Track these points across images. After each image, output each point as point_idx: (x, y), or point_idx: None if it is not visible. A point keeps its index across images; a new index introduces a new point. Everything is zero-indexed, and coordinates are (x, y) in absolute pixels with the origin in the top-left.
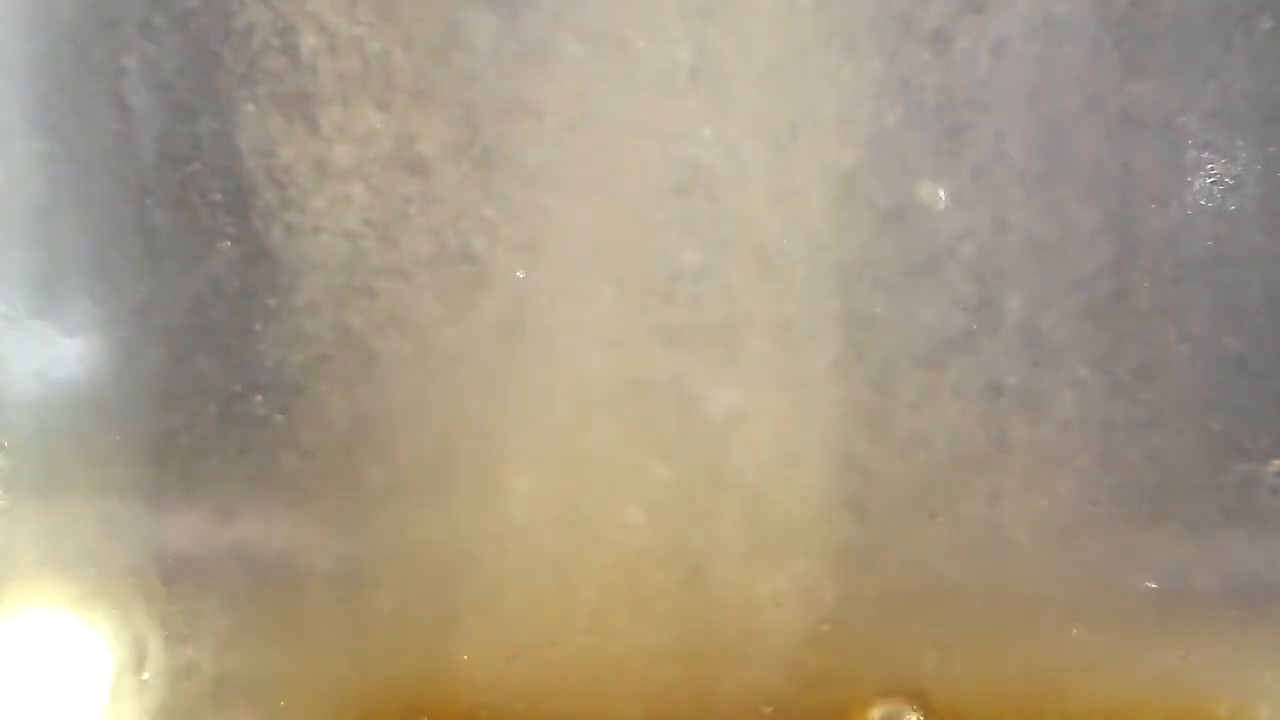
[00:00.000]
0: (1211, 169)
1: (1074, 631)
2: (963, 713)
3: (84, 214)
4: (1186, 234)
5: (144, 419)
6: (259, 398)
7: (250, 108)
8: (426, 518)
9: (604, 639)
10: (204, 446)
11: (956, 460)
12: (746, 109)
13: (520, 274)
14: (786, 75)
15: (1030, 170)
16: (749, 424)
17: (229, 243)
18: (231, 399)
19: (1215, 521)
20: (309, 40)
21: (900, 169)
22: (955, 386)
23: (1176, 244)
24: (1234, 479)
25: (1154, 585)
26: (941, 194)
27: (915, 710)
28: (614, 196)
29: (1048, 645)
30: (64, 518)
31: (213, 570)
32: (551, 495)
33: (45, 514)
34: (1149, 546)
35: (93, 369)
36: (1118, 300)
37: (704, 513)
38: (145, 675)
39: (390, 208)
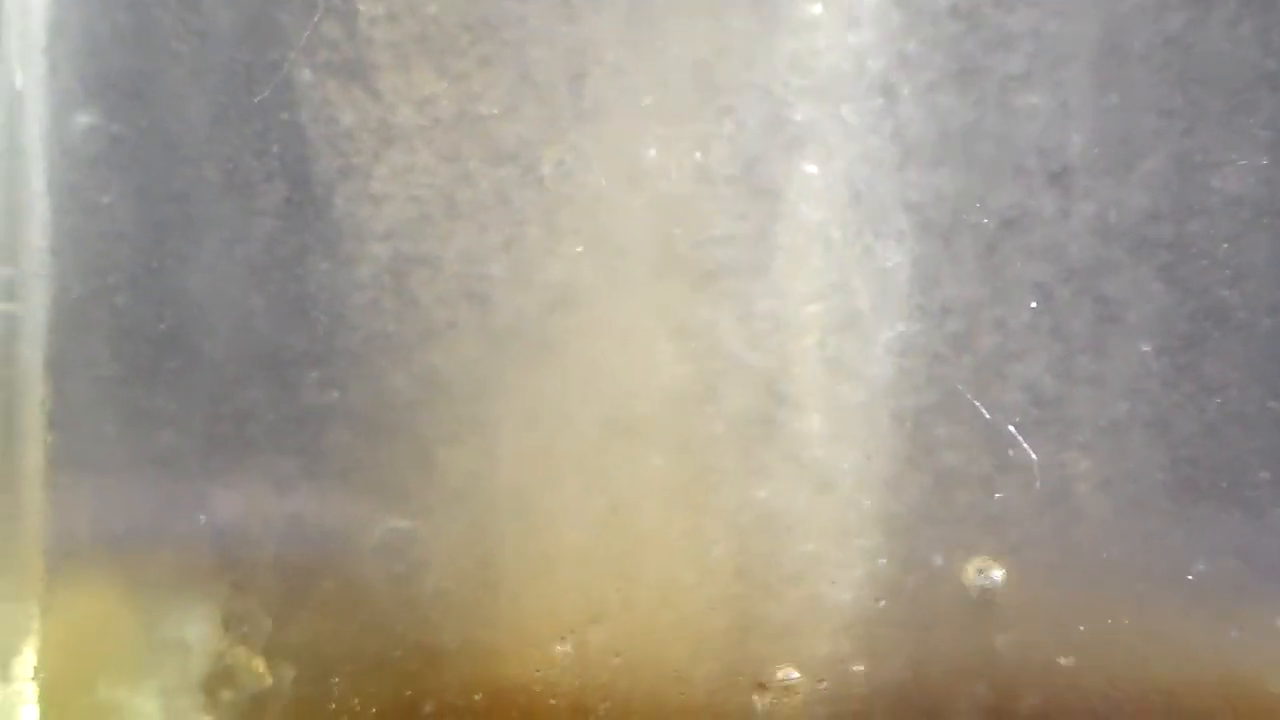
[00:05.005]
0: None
1: (1132, 606)
2: (1017, 687)
3: (140, 185)
4: (1249, 201)
5: (197, 390)
6: (314, 370)
7: (308, 74)
8: (480, 494)
9: (656, 617)
10: (257, 418)
11: (1017, 428)
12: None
13: (579, 249)
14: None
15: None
16: (809, 385)
17: (287, 210)
18: (287, 370)
19: (1273, 499)
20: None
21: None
22: (1017, 353)
23: (1238, 211)
24: None
25: (1210, 560)
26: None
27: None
28: (679, 158)
29: (1105, 619)
30: (117, 491)
31: (265, 543)
32: (607, 472)
33: (99, 488)
34: (1206, 521)
35: (145, 340)
36: (1177, 267)
37: (755, 490)
38: (194, 647)
39: (454, 173)
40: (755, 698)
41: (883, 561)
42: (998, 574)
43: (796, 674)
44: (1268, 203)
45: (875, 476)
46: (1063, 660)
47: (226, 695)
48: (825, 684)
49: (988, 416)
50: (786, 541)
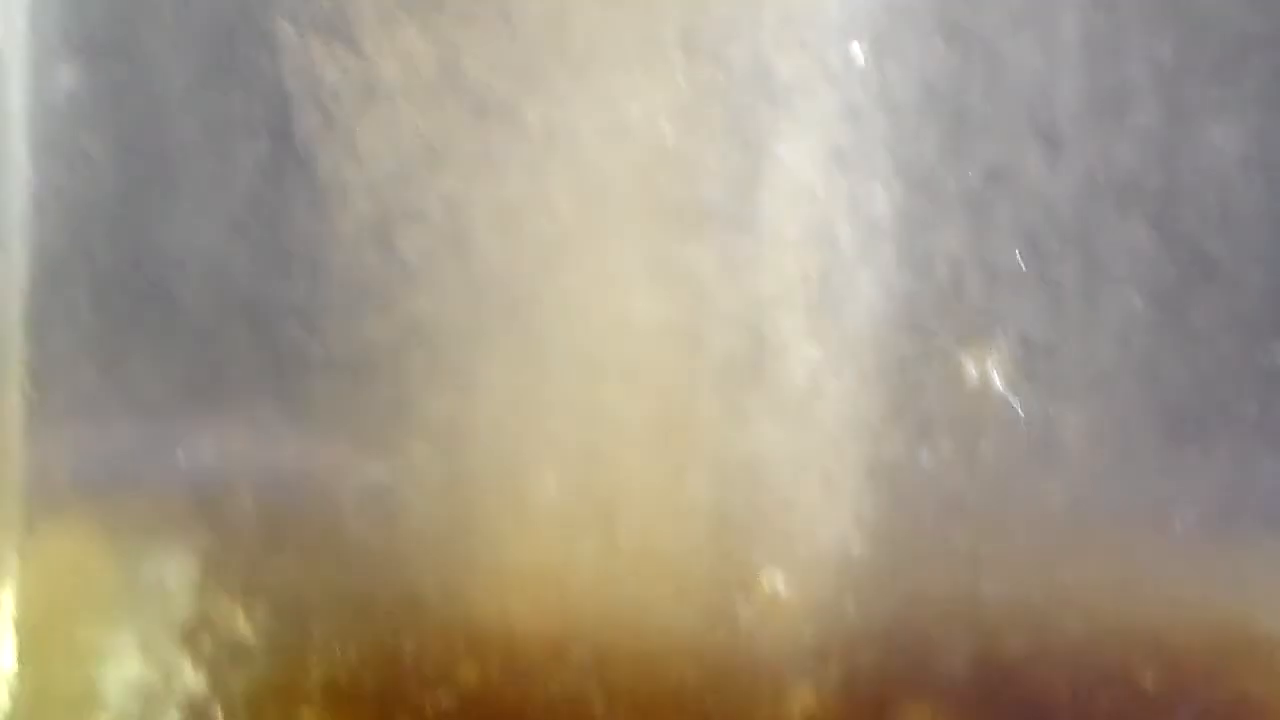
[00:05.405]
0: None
1: (1117, 553)
2: (1002, 630)
3: (121, 140)
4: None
5: (176, 339)
6: (294, 321)
7: (290, 30)
8: (461, 440)
9: (639, 564)
10: (237, 367)
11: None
12: None
13: (563, 199)
14: None
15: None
16: (793, 333)
17: (270, 166)
18: (267, 320)
19: (1262, 449)
20: None
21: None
22: (1009, 290)
23: (1223, 161)
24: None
25: (1199, 507)
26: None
27: None
28: (665, 109)
29: (1089, 565)
30: (97, 443)
31: (245, 493)
32: (589, 420)
33: (76, 436)
34: (1195, 469)
35: (124, 288)
36: (1165, 218)
37: (739, 439)
38: (175, 595)
39: (438, 127)
40: (740, 608)
41: (868, 511)
42: (985, 526)
43: (787, 621)
44: (1258, 155)
45: (861, 425)
46: (1049, 610)
47: (206, 641)
48: (810, 635)
49: (974, 371)
50: (770, 489)
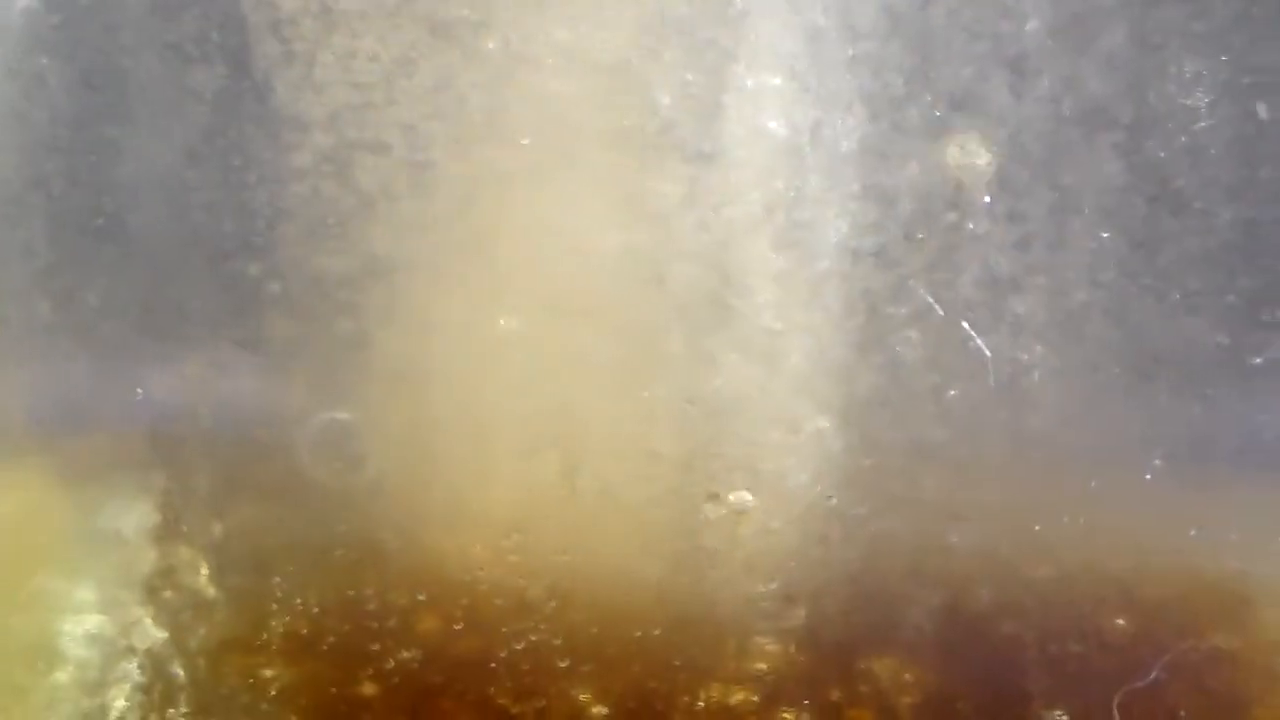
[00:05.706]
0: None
1: (1087, 497)
2: (971, 583)
3: (78, 71)
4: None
5: (132, 278)
6: (253, 259)
7: None
8: (421, 387)
9: (603, 512)
10: (194, 307)
11: (968, 321)
12: None
13: (524, 129)
14: None
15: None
16: (758, 267)
17: (228, 98)
18: (224, 259)
19: (1232, 388)
20: None
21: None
22: (973, 234)
23: (1192, 92)
24: (1250, 348)
25: (1168, 453)
26: None
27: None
28: (625, 36)
29: (1058, 509)
30: (50, 379)
31: (201, 434)
32: (552, 361)
33: (31, 376)
34: (1164, 415)
35: (78, 225)
36: (1133, 151)
37: (704, 379)
38: (131, 540)
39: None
40: (704, 555)
41: (836, 454)
42: (950, 471)
43: (747, 570)
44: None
45: (828, 364)
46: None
47: (166, 591)
48: (775, 584)
49: (941, 312)
50: (735, 431)
